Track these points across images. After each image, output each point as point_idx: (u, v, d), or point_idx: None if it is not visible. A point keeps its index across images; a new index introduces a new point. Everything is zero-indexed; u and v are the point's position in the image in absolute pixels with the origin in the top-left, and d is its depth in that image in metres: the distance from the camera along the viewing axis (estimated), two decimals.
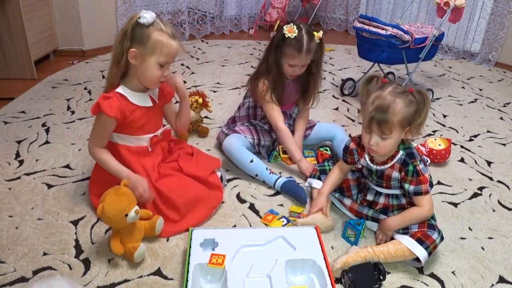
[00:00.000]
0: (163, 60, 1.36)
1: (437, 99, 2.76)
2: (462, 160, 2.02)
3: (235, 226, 1.49)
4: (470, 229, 1.53)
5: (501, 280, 1.31)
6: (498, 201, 1.71)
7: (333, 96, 2.73)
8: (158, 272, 1.26)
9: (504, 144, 2.20)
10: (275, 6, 4.26)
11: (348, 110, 2.53)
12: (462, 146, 2.15)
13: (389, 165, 1.35)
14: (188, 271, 1.17)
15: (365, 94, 1.31)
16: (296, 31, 1.65)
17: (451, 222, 1.56)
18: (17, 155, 1.85)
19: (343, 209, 1.56)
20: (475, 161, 2.01)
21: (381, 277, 1.24)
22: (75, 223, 1.45)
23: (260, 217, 1.54)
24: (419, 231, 1.31)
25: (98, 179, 1.49)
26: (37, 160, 1.82)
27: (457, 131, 2.33)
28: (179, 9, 3.84)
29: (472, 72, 3.37)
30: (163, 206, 1.42)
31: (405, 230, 1.34)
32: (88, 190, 1.56)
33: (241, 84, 2.79)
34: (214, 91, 2.69)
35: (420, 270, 1.32)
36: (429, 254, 1.28)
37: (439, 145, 1.93)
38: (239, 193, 1.67)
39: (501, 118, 2.53)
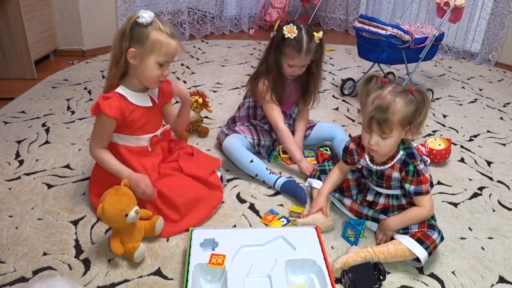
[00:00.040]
0: (163, 60, 1.36)
1: (437, 99, 2.76)
2: (462, 160, 2.02)
3: (235, 226, 1.49)
4: (470, 229, 1.53)
5: (501, 280, 1.31)
6: (498, 201, 1.71)
7: (333, 96, 2.73)
8: (158, 272, 1.26)
9: (504, 144, 2.20)
10: (275, 6, 4.26)
11: (348, 110, 2.53)
12: (462, 146, 2.15)
13: (389, 165, 1.35)
14: (188, 271, 1.17)
15: (365, 94, 1.31)
16: (296, 31, 1.65)
17: (451, 222, 1.56)
18: (17, 155, 1.85)
19: (343, 209, 1.56)
20: (475, 161, 2.01)
21: (381, 277, 1.24)
22: (75, 223, 1.45)
23: (260, 217, 1.54)
24: (419, 231, 1.31)
25: (98, 179, 1.49)
26: (37, 160, 1.82)
27: (457, 131, 2.33)
28: (179, 9, 3.84)
29: (472, 72, 3.37)
30: (163, 206, 1.42)
31: (405, 230, 1.34)
32: (88, 190, 1.56)
33: (241, 84, 2.79)
34: (214, 91, 2.69)
35: (420, 270, 1.32)
36: (429, 254, 1.28)
37: (439, 145, 1.93)
38: (239, 193, 1.67)
39: (501, 118, 2.53)
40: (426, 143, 1.95)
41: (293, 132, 1.91)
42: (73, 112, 2.29)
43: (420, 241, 1.28)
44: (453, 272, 1.32)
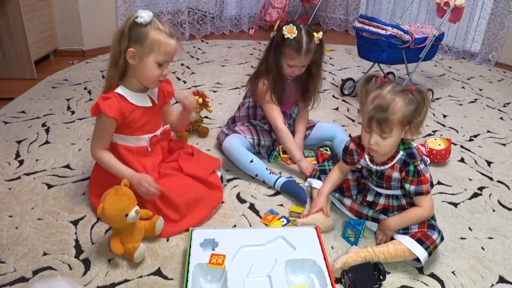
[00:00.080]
0: (162, 59, 1.35)
1: (437, 99, 2.76)
2: (462, 160, 2.02)
3: (235, 226, 1.49)
4: (470, 229, 1.53)
5: (501, 280, 1.31)
6: (498, 201, 1.71)
7: (333, 96, 2.73)
8: (158, 272, 1.26)
9: (504, 144, 2.20)
10: (275, 6, 4.26)
11: (348, 110, 2.53)
12: (462, 146, 2.15)
13: (389, 165, 1.35)
14: (188, 271, 1.17)
15: (364, 94, 1.31)
16: (296, 31, 1.65)
17: (451, 222, 1.56)
18: (17, 155, 1.85)
19: (343, 209, 1.56)
20: (475, 161, 2.01)
21: (381, 277, 1.24)
22: (75, 223, 1.45)
23: (260, 217, 1.54)
24: (419, 231, 1.31)
25: (98, 179, 1.49)
26: (37, 160, 1.82)
27: (457, 131, 2.33)
28: (179, 9, 3.84)
29: (472, 72, 3.37)
30: (163, 206, 1.42)
31: (405, 230, 1.34)
32: (88, 190, 1.56)
33: (241, 84, 2.79)
34: (214, 91, 2.69)
35: (420, 270, 1.32)
36: (429, 254, 1.28)
37: (439, 145, 1.93)
38: (239, 193, 1.67)
39: (501, 118, 2.53)
40: (426, 143, 1.95)
41: (293, 133, 1.91)
42: (73, 112, 2.29)
43: (420, 241, 1.28)
44: (453, 272, 1.32)
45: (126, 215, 1.23)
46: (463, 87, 3.02)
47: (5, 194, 1.59)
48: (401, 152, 1.33)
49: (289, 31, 1.65)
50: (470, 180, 1.85)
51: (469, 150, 2.11)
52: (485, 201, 1.71)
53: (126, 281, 1.23)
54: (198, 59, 3.34)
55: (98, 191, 1.38)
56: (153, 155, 1.52)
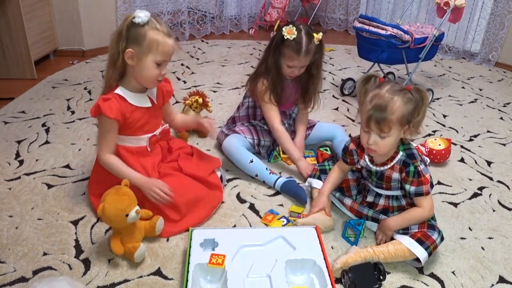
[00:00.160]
0: (160, 59, 1.35)
1: (437, 99, 2.76)
2: (462, 160, 2.02)
3: (235, 226, 1.49)
4: (470, 229, 1.53)
5: (501, 280, 1.31)
6: (498, 201, 1.71)
7: (333, 96, 2.73)
8: (158, 272, 1.26)
9: (504, 144, 2.20)
10: (275, 6, 4.26)
11: (348, 110, 2.53)
12: (462, 146, 2.15)
13: (389, 166, 1.35)
14: (188, 271, 1.17)
15: (363, 93, 1.31)
16: (295, 32, 1.65)
17: (451, 222, 1.56)
18: (17, 155, 1.85)
19: (343, 209, 1.56)
20: (475, 161, 2.01)
21: (381, 277, 1.24)
22: (75, 223, 1.45)
23: (260, 217, 1.54)
24: (419, 231, 1.31)
25: (98, 179, 1.49)
26: (37, 160, 1.82)
27: (457, 131, 2.33)
28: (179, 9, 3.84)
29: (472, 72, 3.37)
30: (163, 206, 1.42)
31: (405, 230, 1.34)
32: (88, 190, 1.56)
33: (241, 84, 2.79)
34: (214, 91, 2.69)
35: (420, 270, 1.32)
36: (429, 254, 1.28)
37: (439, 145, 1.93)
38: (239, 193, 1.67)
39: (501, 118, 2.53)
40: (426, 143, 1.95)
41: (293, 133, 1.91)
42: (73, 112, 2.29)
43: (420, 242, 1.28)
44: (453, 272, 1.32)
45: (127, 215, 1.23)
46: (463, 87, 3.02)
47: (5, 194, 1.59)
48: (401, 153, 1.33)
49: (289, 32, 1.65)
50: (470, 180, 1.85)
51: (469, 150, 2.11)
52: (485, 201, 1.71)
53: (126, 281, 1.23)
54: (198, 59, 3.34)
55: (98, 191, 1.38)
56: (153, 155, 1.52)
